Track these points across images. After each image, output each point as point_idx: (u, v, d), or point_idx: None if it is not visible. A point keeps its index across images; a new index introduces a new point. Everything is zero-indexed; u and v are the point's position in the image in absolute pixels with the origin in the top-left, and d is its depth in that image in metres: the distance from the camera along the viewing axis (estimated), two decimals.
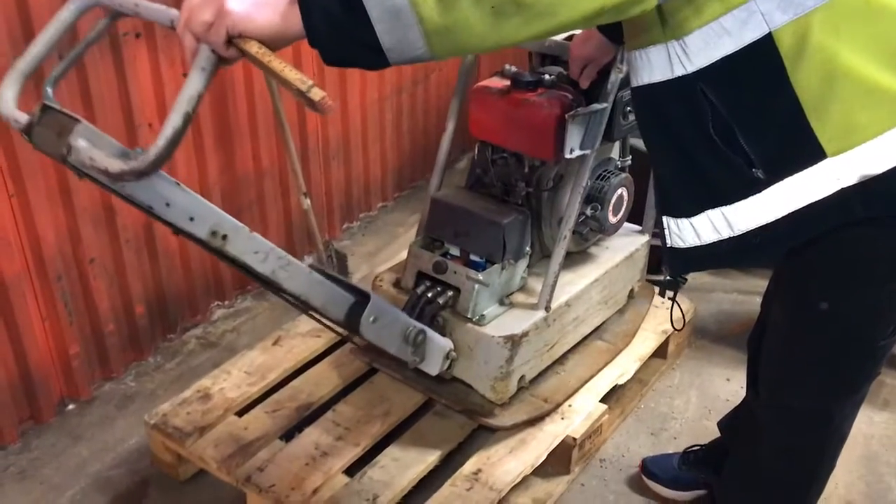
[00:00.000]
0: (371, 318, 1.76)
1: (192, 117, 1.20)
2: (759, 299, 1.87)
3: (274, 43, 1.17)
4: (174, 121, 1.18)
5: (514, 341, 2.04)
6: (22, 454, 2.26)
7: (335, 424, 2.11)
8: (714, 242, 1.41)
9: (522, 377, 2.13)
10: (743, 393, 1.97)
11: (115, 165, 1.24)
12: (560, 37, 2.09)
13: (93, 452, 2.28)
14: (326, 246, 3.04)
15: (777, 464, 1.73)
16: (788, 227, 1.35)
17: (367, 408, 2.17)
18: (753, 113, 1.31)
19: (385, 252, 3.14)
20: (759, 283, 1.95)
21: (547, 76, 2.07)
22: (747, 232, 1.38)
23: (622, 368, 2.35)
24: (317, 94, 1.12)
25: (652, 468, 2.19)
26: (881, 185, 1.29)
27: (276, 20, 1.15)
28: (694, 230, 1.43)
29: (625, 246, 2.44)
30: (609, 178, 2.21)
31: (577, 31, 1.99)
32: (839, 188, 1.30)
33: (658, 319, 2.54)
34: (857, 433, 2.32)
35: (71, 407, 2.42)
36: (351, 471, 2.01)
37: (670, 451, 2.24)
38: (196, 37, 1.17)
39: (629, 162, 2.34)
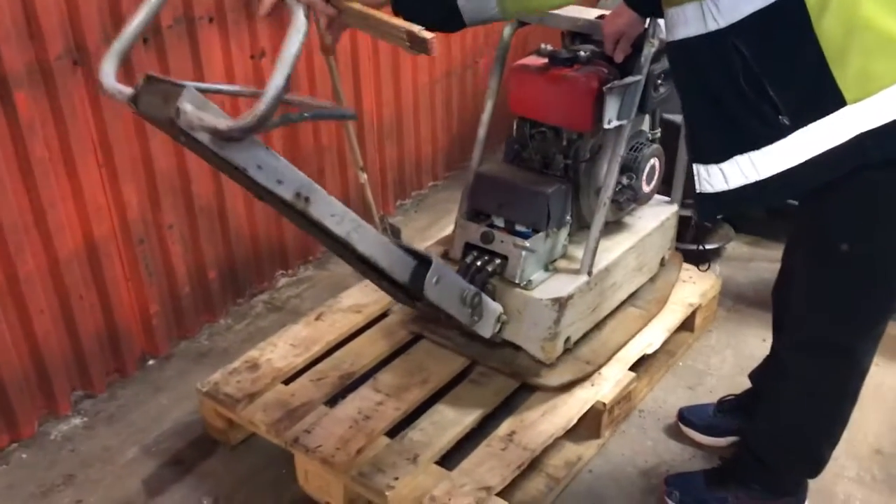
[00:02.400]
0: (434, 279, 1.76)
1: (290, 77, 1.21)
2: None
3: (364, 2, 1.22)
4: (277, 80, 1.19)
5: (560, 303, 1.99)
6: (110, 402, 2.28)
7: (376, 391, 2.04)
8: (741, 187, 1.44)
9: (568, 338, 2.07)
10: None
11: (224, 123, 1.23)
12: (591, 16, 2.06)
13: (173, 401, 2.29)
14: (382, 219, 3.17)
15: (803, 400, 1.72)
16: (809, 171, 1.37)
17: (407, 376, 2.09)
18: (780, 63, 1.33)
19: (435, 227, 3.05)
20: None
21: (581, 53, 2.01)
22: (772, 176, 1.40)
23: (650, 338, 2.27)
24: (427, 34, 1.21)
25: (688, 416, 2.15)
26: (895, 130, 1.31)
27: None
28: (723, 175, 1.45)
29: (656, 215, 2.37)
30: (642, 149, 2.15)
31: (607, 11, 1.98)
32: (857, 133, 1.32)
33: (686, 293, 2.44)
34: (887, 386, 2.30)
35: (151, 362, 2.43)
36: (392, 433, 1.95)
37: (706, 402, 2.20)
38: None
39: (659, 134, 2.28)
